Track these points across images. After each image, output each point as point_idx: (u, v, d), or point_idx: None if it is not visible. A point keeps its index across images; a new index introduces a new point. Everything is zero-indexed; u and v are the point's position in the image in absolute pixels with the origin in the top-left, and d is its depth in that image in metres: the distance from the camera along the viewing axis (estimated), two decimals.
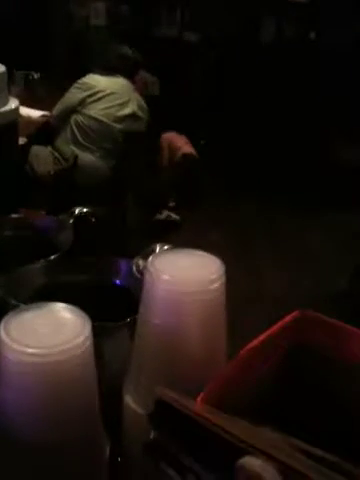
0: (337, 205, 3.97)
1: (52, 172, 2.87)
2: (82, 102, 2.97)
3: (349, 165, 4.29)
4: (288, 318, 0.82)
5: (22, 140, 2.71)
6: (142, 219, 3.50)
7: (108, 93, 3.00)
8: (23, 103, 3.04)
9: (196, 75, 4.68)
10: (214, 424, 0.49)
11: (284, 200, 4.06)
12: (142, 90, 4.21)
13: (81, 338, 0.60)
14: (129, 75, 3.15)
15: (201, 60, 4.74)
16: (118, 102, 3.03)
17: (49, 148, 2.96)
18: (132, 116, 3.09)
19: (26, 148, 2.81)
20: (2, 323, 0.61)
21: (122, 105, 3.04)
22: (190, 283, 0.69)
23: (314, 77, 4.52)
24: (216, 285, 0.71)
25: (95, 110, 2.98)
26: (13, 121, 1.20)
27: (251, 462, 0.44)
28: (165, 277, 0.68)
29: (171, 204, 3.79)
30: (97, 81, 3.02)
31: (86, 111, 2.98)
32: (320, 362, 0.80)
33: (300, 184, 4.17)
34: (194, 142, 3.97)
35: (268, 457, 0.44)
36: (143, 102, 3.22)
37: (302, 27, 5.12)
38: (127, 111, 3.06)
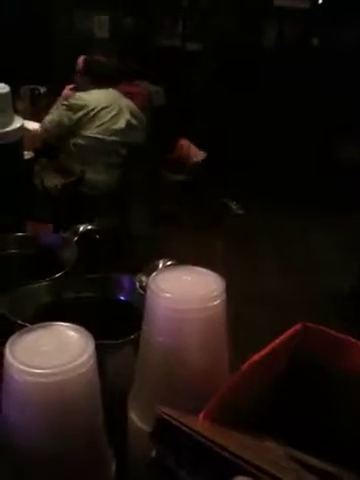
0: (339, 206, 3.98)
1: (59, 186, 2.89)
2: (76, 124, 2.96)
3: (351, 166, 4.30)
4: (290, 331, 0.82)
5: (29, 154, 2.74)
6: (147, 229, 3.52)
7: (99, 109, 2.98)
8: (29, 117, 3.10)
9: (199, 84, 4.71)
10: (213, 442, 0.50)
11: (286, 202, 4.09)
12: (145, 101, 4.26)
13: (85, 357, 0.62)
14: (113, 83, 3.13)
15: (204, 69, 4.77)
16: (111, 115, 3.02)
17: (55, 162, 2.99)
18: (128, 126, 3.08)
19: (33, 162, 2.84)
20: (8, 344, 0.62)
21: (116, 117, 3.03)
22: (191, 300, 0.70)
23: (315, 80, 4.54)
24: (217, 302, 0.72)
25: (91, 129, 2.97)
26: (18, 139, 1.23)
27: None
28: (166, 295, 0.69)
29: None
30: (85, 100, 2.99)
31: (82, 132, 2.97)
32: (322, 374, 0.81)
33: (302, 185, 4.19)
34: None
35: (266, 475, 0.45)
36: (134, 107, 3.20)
37: (304, 33, 5.14)
38: (122, 122, 3.05)
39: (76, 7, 4.77)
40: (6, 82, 1.37)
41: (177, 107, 4.25)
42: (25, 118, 3.11)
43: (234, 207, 4.24)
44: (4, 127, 1.16)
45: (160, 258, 0.94)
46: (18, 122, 1.21)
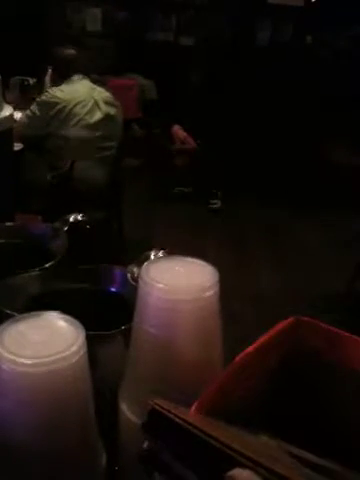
0: (335, 205, 4.00)
1: (49, 177, 2.86)
2: (51, 122, 2.89)
3: (346, 165, 4.32)
4: (283, 324, 0.82)
5: (18, 146, 2.71)
6: (139, 221, 3.51)
7: (73, 105, 2.90)
8: (19, 109, 3.06)
9: (192, 79, 4.70)
10: (206, 434, 0.49)
11: (282, 200, 4.11)
12: (137, 94, 4.24)
13: (75, 347, 0.60)
14: (82, 75, 3.04)
15: (197, 64, 4.76)
16: (86, 110, 2.94)
17: (45, 154, 2.95)
18: (105, 117, 3.00)
19: (22, 154, 2.80)
20: None
21: (91, 111, 2.95)
22: (184, 291, 0.69)
23: (309, 78, 4.55)
24: (210, 293, 0.71)
25: (68, 128, 2.90)
26: (8, 128, 1.20)
27: (239, 474, 0.44)
28: (159, 285, 0.68)
29: None
30: (57, 97, 2.91)
31: (60, 132, 2.90)
32: (315, 368, 0.80)
33: (296, 184, 4.21)
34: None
35: (259, 467, 0.44)
36: (109, 95, 3.10)
37: (298, 30, 5.14)
38: (98, 115, 2.98)
39: (69, 0, 4.74)
40: None
41: (169, 101, 4.24)
42: (15, 109, 3.08)
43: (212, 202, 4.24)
44: None
45: (152, 249, 0.92)
46: (7, 110, 1.19)
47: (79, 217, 0.98)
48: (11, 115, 1.19)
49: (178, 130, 3.59)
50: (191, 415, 0.59)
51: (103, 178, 3.00)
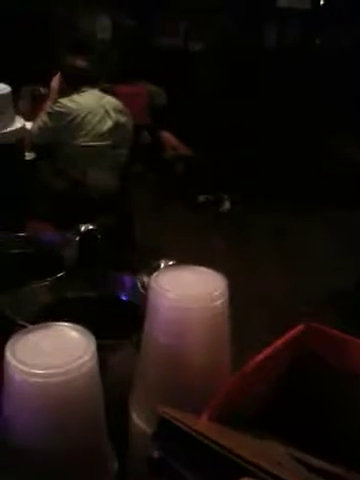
0: (339, 203, 4.00)
1: (61, 187, 2.88)
2: (62, 132, 2.90)
3: (351, 165, 4.32)
4: (293, 331, 0.82)
5: (30, 155, 2.75)
6: (148, 227, 3.53)
7: (84, 115, 2.90)
8: (30, 118, 3.10)
9: (201, 84, 4.71)
10: (215, 442, 0.50)
11: (287, 200, 4.12)
12: (146, 101, 4.25)
13: (86, 357, 0.61)
14: (91, 84, 3.02)
15: (206, 69, 4.77)
16: (97, 119, 2.94)
17: (56, 163, 2.98)
18: (116, 125, 3.00)
19: (34, 162, 2.83)
20: (8, 344, 0.62)
21: (101, 120, 2.95)
22: (193, 300, 0.70)
23: (317, 81, 4.55)
24: (219, 302, 0.71)
25: (80, 137, 2.91)
26: (20, 139, 1.23)
27: None
28: (168, 295, 0.69)
29: None
30: (68, 107, 2.90)
31: (72, 141, 2.91)
32: (324, 373, 0.80)
33: (302, 184, 4.21)
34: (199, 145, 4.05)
35: (267, 475, 0.45)
36: (118, 103, 3.09)
37: (306, 34, 5.15)
38: (109, 123, 2.98)
39: (78, 8, 4.78)
40: (8, 83, 1.37)
41: (178, 107, 4.25)
42: (26, 119, 3.11)
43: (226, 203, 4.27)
44: (5, 128, 1.15)
45: (162, 257, 0.93)
46: (19, 122, 1.21)
47: (90, 226, 0.99)
48: (23, 127, 1.21)
49: (168, 137, 3.59)
50: (200, 423, 0.60)
51: (114, 185, 3.02)
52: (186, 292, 0.70)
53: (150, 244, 3.38)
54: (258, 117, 4.45)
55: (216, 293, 0.71)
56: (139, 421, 0.74)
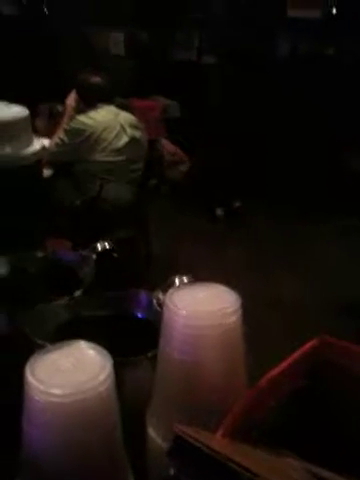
0: (352, 212, 3.99)
1: (78, 203, 2.93)
2: (79, 148, 2.94)
3: None
4: (307, 345, 0.83)
5: (48, 172, 2.79)
6: (164, 238, 3.56)
7: (101, 131, 2.95)
8: (47, 135, 3.15)
9: (214, 96, 4.74)
10: (230, 459, 0.51)
11: (299, 209, 4.12)
12: (160, 114, 4.30)
13: (102, 376, 0.63)
14: (106, 100, 3.07)
15: (219, 81, 4.81)
16: (113, 135, 2.98)
17: (73, 179, 3.03)
18: (132, 140, 3.05)
19: (52, 180, 2.88)
20: (28, 364, 0.64)
21: (117, 136, 2.99)
22: (208, 318, 0.71)
23: (327, 88, 4.55)
24: (233, 318, 0.73)
25: (96, 153, 2.95)
26: (38, 161, 1.26)
27: None
28: (182, 312, 0.70)
29: None
30: (85, 124, 2.95)
31: (89, 157, 2.95)
32: (339, 386, 0.81)
33: (314, 193, 4.22)
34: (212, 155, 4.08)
35: None
36: (133, 118, 3.13)
37: (319, 41, 5.15)
38: (125, 139, 3.02)
39: (92, 25, 4.86)
40: (25, 101, 1.41)
41: (192, 119, 4.29)
42: (43, 136, 3.17)
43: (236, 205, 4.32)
44: (24, 149, 1.19)
45: (177, 272, 0.95)
46: (37, 144, 1.24)
47: (107, 245, 1.01)
48: (41, 148, 1.24)
49: (166, 144, 3.61)
50: (215, 440, 0.61)
51: (130, 199, 3.06)
52: (200, 309, 0.71)
53: (166, 255, 3.41)
54: (271, 128, 4.47)
55: (229, 310, 0.72)
56: (156, 437, 0.75)
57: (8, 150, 1.15)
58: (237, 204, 4.34)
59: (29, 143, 1.22)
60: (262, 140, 4.48)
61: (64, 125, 3.06)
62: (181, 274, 0.94)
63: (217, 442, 0.61)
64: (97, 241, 1.06)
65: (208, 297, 0.75)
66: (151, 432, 0.75)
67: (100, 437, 0.65)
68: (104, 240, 1.02)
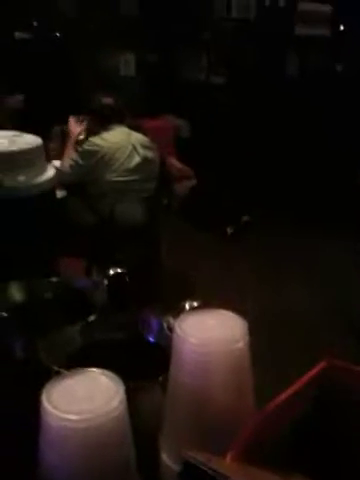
0: None
1: (91, 222, 2.98)
2: (93, 169, 3.00)
3: None
4: (315, 369, 0.84)
5: (61, 193, 2.85)
6: (176, 255, 3.60)
7: (113, 152, 3.01)
8: (60, 156, 3.21)
9: (224, 115, 4.80)
10: None
11: (307, 223, 4.14)
12: (171, 134, 4.36)
13: (115, 402, 0.66)
14: (119, 121, 3.13)
15: (229, 100, 4.86)
16: (125, 155, 3.04)
17: (87, 199, 3.08)
18: (144, 160, 3.10)
19: (65, 201, 2.94)
20: (44, 391, 0.67)
21: (129, 156, 3.05)
22: (215, 344, 0.73)
23: (339, 107, 4.58)
24: (240, 344, 0.75)
25: (109, 173, 3.01)
26: (51, 187, 1.30)
27: None
28: (191, 339, 0.73)
29: None
30: (98, 145, 3.01)
31: (102, 178, 3.01)
32: (348, 408, 0.82)
33: (324, 207, 4.23)
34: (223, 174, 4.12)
35: None
36: (145, 139, 3.19)
37: (327, 60, 5.19)
38: (137, 159, 3.07)
39: (102, 47, 4.95)
40: (39, 123, 1.46)
41: (202, 139, 4.34)
42: (56, 157, 3.23)
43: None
44: (38, 177, 1.23)
45: (190, 291, 0.98)
46: (50, 171, 1.28)
47: (118, 270, 1.04)
48: (54, 176, 1.28)
49: (173, 161, 3.66)
50: (225, 464, 0.63)
51: (142, 218, 3.10)
52: (208, 336, 0.74)
53: (179, 274, 3.44)
54: (280, 144, 4.50)
55: (237, 336, 0.75)
56: (169, 460, 0.77)
57: (23, 178, 1.19)
58: (246, 219, 4.37)
59: (43, 171, 1.26)
60: (272, 155, 4.52)
61: (70, 151, 3.11)
62: (192, 299, 0.96)
63: (227, 466, 0.63)
64: (110, 262, 1.09)
65: (216, 324, 0.77)
66: (164, 456, 0.77)
67: (114, 461, 0.67)
68: (116, 265, 1.05)
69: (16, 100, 4.13)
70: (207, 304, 0.92)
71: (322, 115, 4.58)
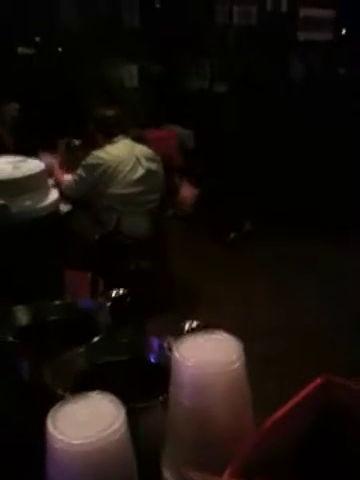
0: None
1: (96, 237, 3.02)
2: (97, 182, 3.04)
3: None
4: (312, 385, 0.87)
5: (66, 207, 2.89)
6: (183, 268, 3.63)
7: (117, 165, 3.05)
8: (66, 169, 3.26)
9: (228, 123, 4.83)
10: None
11: (311, 230, 4.15)
12: (176, 144, 4.40)
13: (116, 425, 0.69)
14: (122, 133, 3.17)
15: (233, 108, 4.89)
16: (128, 168, 3.07)
17: (92, 213, 3.12)
18: (147, 172, 3.14)
19: (70, 215, 2.98)
20: (49, 416, 0.70)
21: (133, 168, 3.09)
22: (212, 366, 0.76)
23: (340, 111, 4.60)
24: (237, 365, 0.78)
25: (113, 186, 3.05)
26: (55, 210, 1.34)
27: None
28: (189, 362, 0.76)
29: None
30: (102, 158, 3.05)
31: (107, 191, 3.05)
32: (346, 425, 0.84)
33: (332, 216, 4.25)
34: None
35: None
36: (149, 151, 3.23)
37: (330, 64, 5.21)
38: (140, 172, 3.11)
39: (105, 59, 5.01)
40: (44, 137, 1.49)
41: (207, 148, 4.38)
42: (62, 170, 3.26)
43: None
44: (42, 201, 1.27)
45: (197, 303, 1.00)
46: (54, 194, 1.32)
47: (120, 292, 1.08)
48: (58, 199, 1.32)
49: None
50: None
51: (147, 230, 3.14)
52: (205, 358, 0.77)
53: (184, 285, 3.48)
54: (284, 151, 4.53)
55: (233, 357, 0.78)
56: (171, 479, 0.80)
57: (28, 203, 1.23)
58: (248, 227, 4.40)
59: (47, 194, 1.30)
60: (276, 163, 4.54)
61: (61, 176, 3.13)
62: (192, 319, 1.00)
63: None
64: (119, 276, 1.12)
65: (213, 346, 0.80)
66: (167, 474, 0.80)
67: None
68: (119, 288, 1.08)
69: (11, 108, 4.19)
70: (206, 325, 0.95)
71: (326, 120, 4.60)
